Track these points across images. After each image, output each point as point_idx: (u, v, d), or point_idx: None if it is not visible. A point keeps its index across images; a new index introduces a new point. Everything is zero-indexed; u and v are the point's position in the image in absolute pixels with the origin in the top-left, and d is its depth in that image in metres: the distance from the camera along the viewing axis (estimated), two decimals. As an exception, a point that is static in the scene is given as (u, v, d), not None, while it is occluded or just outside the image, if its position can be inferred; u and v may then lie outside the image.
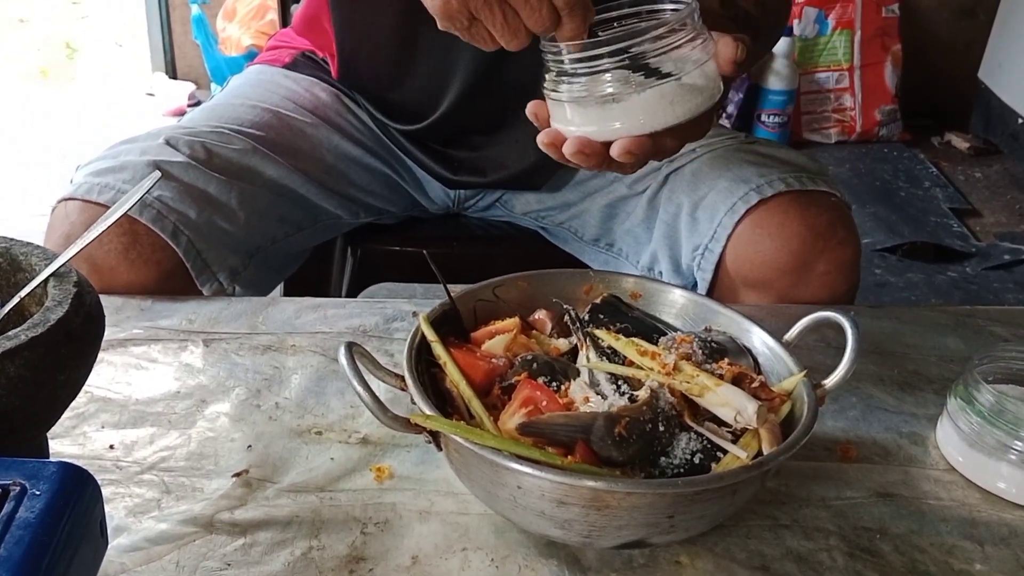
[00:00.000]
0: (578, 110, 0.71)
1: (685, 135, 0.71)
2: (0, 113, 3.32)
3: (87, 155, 0.99)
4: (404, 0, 0.74)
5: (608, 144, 0.70)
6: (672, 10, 0.70)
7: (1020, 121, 3.07)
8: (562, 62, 0.70)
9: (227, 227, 0.96)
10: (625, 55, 0.67)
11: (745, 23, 0.91)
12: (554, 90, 0.71)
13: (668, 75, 0.68)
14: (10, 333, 0.52)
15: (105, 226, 0.61)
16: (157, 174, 0.66)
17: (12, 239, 0.62)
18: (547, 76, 0.72)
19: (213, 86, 3.32)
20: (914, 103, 3.26)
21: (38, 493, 0.47)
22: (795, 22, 3.12)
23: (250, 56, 3.07)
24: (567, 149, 0.71)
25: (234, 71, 3.06)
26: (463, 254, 1.20)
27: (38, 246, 0.61)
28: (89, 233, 0.61)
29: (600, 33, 0.70)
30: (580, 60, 0.69)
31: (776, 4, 0.99)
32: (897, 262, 2.50)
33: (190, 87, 3.41)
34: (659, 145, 0.70)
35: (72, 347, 0.55)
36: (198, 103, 3.37)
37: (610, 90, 0.68)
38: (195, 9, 3.25)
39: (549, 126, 0.74)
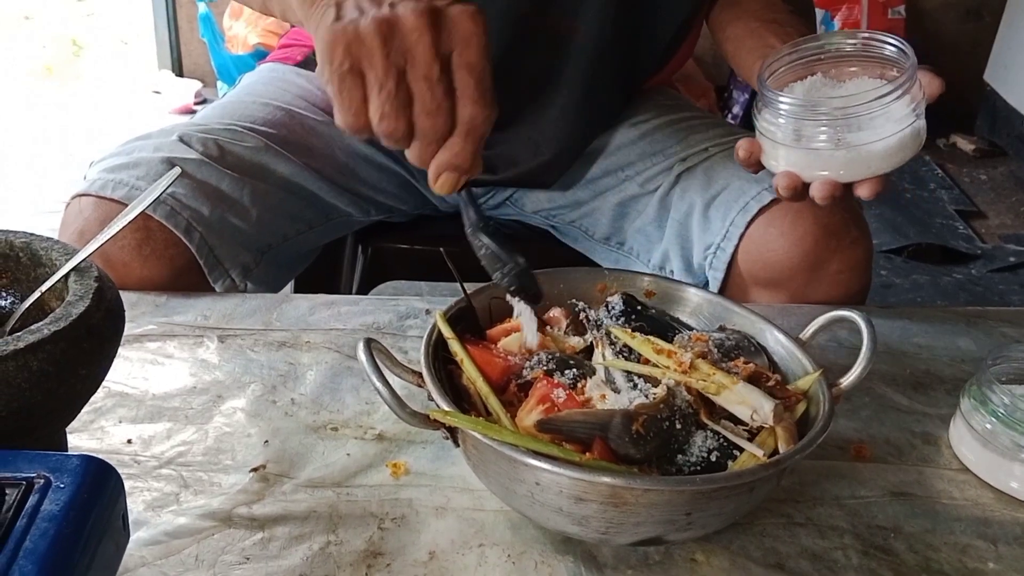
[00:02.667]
0: (808, 156, 0.76)
1: None
2: (6, 110, 3.32)
3: (93, 153, 0.99)
4: None
5: (848, 184, 0.76)
6: (894, 51, 0.76)
7: (1026, 123, 3.07)
8: (788, 110, 0.75)
9: (239, 224, 0.97)
10: (870, 108, 0.73)
11: (803, 12, 0.95)
12: (777, 132, 0.77)
13: (903, 121, 0.74)
14: (32, 327, 0.53)
15: (125, 221, 0.62)
16: (177, 170, 0.66)
17: (32, 234, 0.62)
18: (770, 118, 0.77)
19: (219, 84, 3.32)
20: (920, 105, 3.26)
21: (62, 486, 0.47)
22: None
23: (257, 54, 3.07)
24: (817, 193, 0.76)
25: (241, 69, 3.06)
26: (473, 252, 1.20)
27: (58, 241, 0.62)
28: (109, 229, 0.61)
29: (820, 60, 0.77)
30: (811, 110, 0.75)
31: None
32: (903, 264, 2.50)
33: (196, 85, 3.42)
34: (891, 176, 0.77)
35: (93, 342, 0.55)
36: (204, 101, 3.37)
37: (853, 138, 0.74)
38: (202, 7, 3.25)
39: (758, 164, 0.80)
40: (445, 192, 0.62)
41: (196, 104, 3.35)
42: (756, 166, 0.81)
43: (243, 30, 3.17)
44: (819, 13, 3.15)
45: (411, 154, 0.61)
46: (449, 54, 0.59)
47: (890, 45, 0.76)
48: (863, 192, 0.76)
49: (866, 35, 0.78)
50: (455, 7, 0.60)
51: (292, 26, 1.40)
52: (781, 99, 0.75)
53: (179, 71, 3.56)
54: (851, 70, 0.79)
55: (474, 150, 0.60)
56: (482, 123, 0.60)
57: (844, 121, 0.73)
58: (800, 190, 0.77)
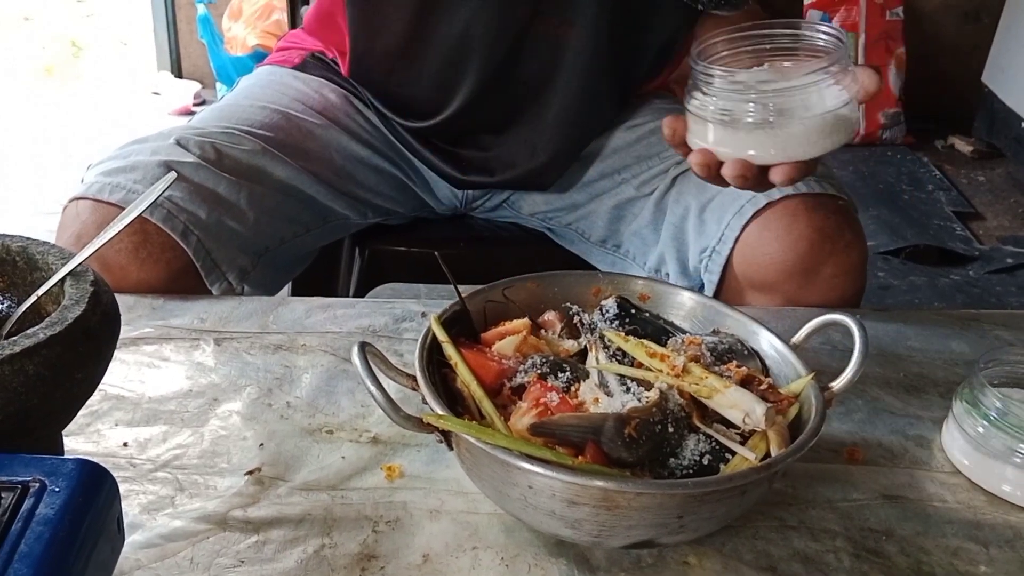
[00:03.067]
0: (730, 132, 0.74)
1: (822, 159, 0.76)
2: (6, 111, 3.33)
3: (92, 154, 1.00)
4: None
5: (764, 167, 0.74)
6: (826, 39, 0.74)
7: (1023, 124, 3.07)
8: (713, 82, 0.73)
9: (236, 227, 0.97)
10: (794, 87, 0.71)
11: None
12: (703, 108, 0.74)
13: (827, 107, 0.72)
14: (29, 331, 0.53)
15: (121, 226, 0.62)
16: (173, 175, 0.66)
17: (29, 238, 0.63)
18: (696, 95, 0.75)
19: (218, 85, 3.32)
20: (918, 106, 3.27)
21: (57, 490, 0.47)
22: (799, 24, 3.12)
23: (255, 56, 3.08)
24: (728, 172, 0.74)
25: (239, 71, 3.07)
26: (470, 255, 1.21)
27: (54, 245, 0.62)
28: (106, 232, 0.62)
29: (765, 54, 0.75)
30: (743, 84, 0.72)
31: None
32: (900, 265, 2.51)
33: (195, 86, 3.42)
34: (809, 168, 0.75)
35: (89, 345, 0.55)
36: (203, 102, 3.38)
37: (775, 118, 0.72)
38: (201, 8, 3.26)
39: (683, 142, 0.78)
40: None
41: (195, 105, 3.35)
42: (682, 146, 0.78)
43: (242, 32, 3.18)
44: (817, 14, 3.15)
45: None
46: None
47: (824, 35, 0.75)
48: (776, 176, 0.74)
49: (806, 25, 0.76)
50: None
51: (291, 28, 1.41)
52: (712, 72, 0.73)
53: (178, 72, 3.57)
54: (786, 64, 0.77)
55: None
56: None
57: (767, 98, 0.72)
58: (714, 168, 0.75)
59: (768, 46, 0.76)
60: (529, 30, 1.03)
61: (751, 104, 0.72)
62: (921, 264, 2.51)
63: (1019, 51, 3.10)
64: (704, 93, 0.74)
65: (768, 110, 0.72)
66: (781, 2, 1.01)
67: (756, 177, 0.74)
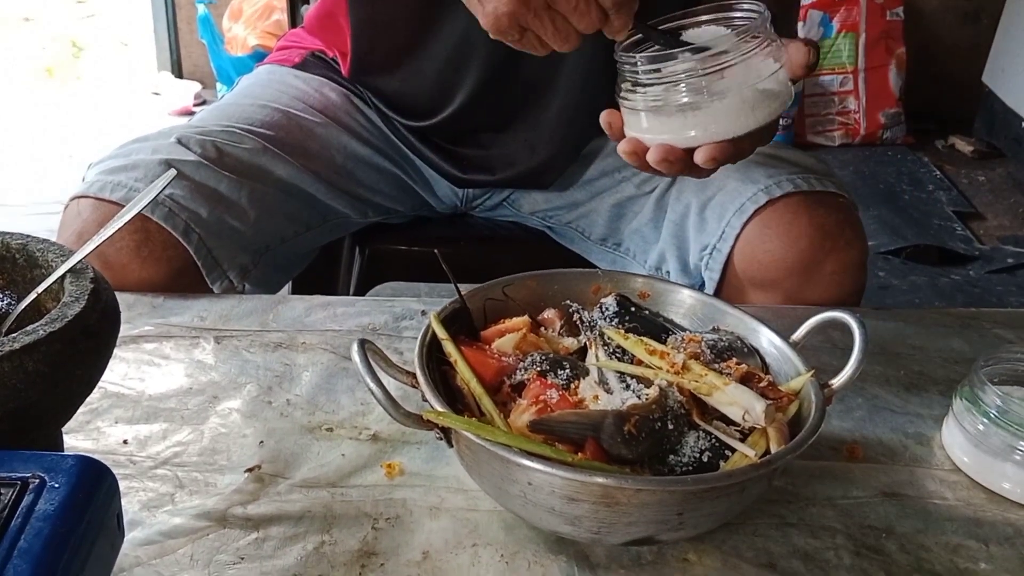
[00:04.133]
0: (656, 119, 0.73)
1: (760, 138, 0.74)
2: (6, 111, 3.33)
3: (93, 154, 1.00)
4: None
5: (690, 150, 0.72)
6: (744, 15, 0.73)
7: (1023, 124, 3.07)
8: (638, 73, 0.72)
9: (237, 225, 0.97)
10: (706, 65, 0.70)
11: (781, 18, 0.94)
12: (630, 99, 0.74)
13: (745, 82, 0.70)
14: (28, 328, 0.53)
15: (121, 223, 0.62)
16: (173, 172, 0.66)
17: (29, 236, 0.63)
18: (622, 86, 0.75)
19: (219, 86, 3.33)
20: (918, 106, 3.27)
21: (57, 486, 0.47)
22: (800, 25, 3.13)
23: (256, 56, 3.08)
24: (652, 157, 0.74)
25: (240, 71, 3.07)
26: (470, 254, 1.21)
27: (54, 243, 0.62)
28: (106, 230, 0.62)
29: (680, 37, 0.74)
30: (658, 71, 0.71)
31: None
32: (900, 265, 2.51)
33: (196, 86, 3.43)
34: (738, 149, 0.73)
35: (89, 343, 0.55)
36: (204, 102, 3.38)
37: (690, 99, 0.71)
38: (201, 9, 3.26)
39: (622, 135, 0.76)
40: (622, 37, 0.74)
41: (195, 105, 3.36)
42: (621, 136, 0.77)
43: (242, 32, 3.18)
44: (817, 15, 3.16)
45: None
46: None
47: (741, 10, 0.73)
48: (699, 158, 0.72)
49: (728, 5, 0.74)
50: None
51: (291, 27, 1.41)
52: (623, 59, 0.73)
53: (178, 73, 3.57)
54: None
55: (628, 13, 0.72)
56: None
57: (681, 83, 0.70)
58: (641, 155, 0.74)
59: (688, 23, 0.75)
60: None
61: (667, 88, 0.71)
62: (921, 264, 2.51)
63: (1019, 51, 3.10)
64: (629, 83, 0.73)
65: (684, 92, 0.71)
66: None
67: (681, 161, 0.72)
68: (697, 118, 0.71)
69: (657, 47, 0.74)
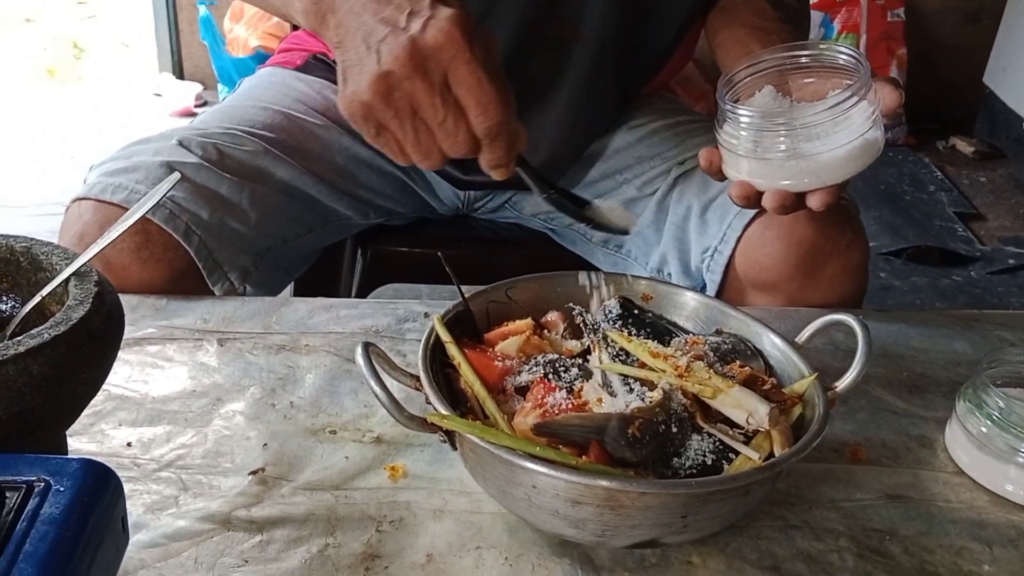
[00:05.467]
0: (764, 165, 0.76)
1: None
2: (7, 112, 3.33)
3: (94, 155, 1.00)
4: None
5: (801, 194, 0.76)
6: (846, 59, 0.76)
7: (1025, 125, 3.07)
8: (742, 122, 0.76)
9: (238, 227, 0.97)
10: (820, 120, 0.73)
11: (794, 20, 0.95)
12: (736, 143, 0.77)
13: (856, 132, 0.74)
14: (33, 332, 0.53)
15: (125, 226, 0.62)
16: (177, 175, 0.66)
17: (32, 239, 0.63)
18: (726, 128, 0.78)
19: (220, 87, 3.33)
20: (919, 107, 3.26)
21: (62, 489, 0.47)
22: (800, 26, 3.13)
23: (257, 57, 3.08)
24: (769, 203, 0.77)
25: (241, 72, 3.07)
26: (472, 255, 1.21)
27: (58, 246, 0.62)
28: (109, 233, 0.62)
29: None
30: (773, 123, 0.75)
31: None
32: (902, 266, 2.51)
33: (197, 88, 3.43)
34: (843, 188, 0.77)
35: (94, 346, 0.55)
36: (205, 104, 3.38)
37: (799, 148, 0.74)
38: (203, 10, 3.26)
39: (720, 172, 0.80)
40: (504, 178, 0.70)
41: (197, 106, 3.36)
42: (719, 174, 0.81)
43: (244, 33, 3.18)
44: (818, 16, 3.16)
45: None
46: (445, 78, 0.64)
47: (844, 55, 0.77)
48: (813, 203, 0.76)
49: (823, 46, 0.79)
50: (430, 29, 0.63)
51: (293, 30, 1.41)
52: (738, 112, 0.76)
53: (180, 74, 3.57)
54: (807, 81, 0.80)
55: (503, 148, 0.66)
56: (496, 125, 0.65)
57: (796, 132, 0.74)
58: (753, 199, 0.78)
59: (789, 67, 0.79)
60: (537, 29, 1.03)
61: (780, 138, 0.75)
62: (923, 265, 2.51)
63: (1020, 52, 3.10)
64: (732, 127, 0.77)
65: (797, 142, 0.74)
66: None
67: (795, 204, 0.77)
68: (809, 166, 0.75)
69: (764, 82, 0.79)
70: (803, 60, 0.79)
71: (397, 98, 0.64)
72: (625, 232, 0.78)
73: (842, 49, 0.77)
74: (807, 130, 0.74)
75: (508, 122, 0.66)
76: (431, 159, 0.67)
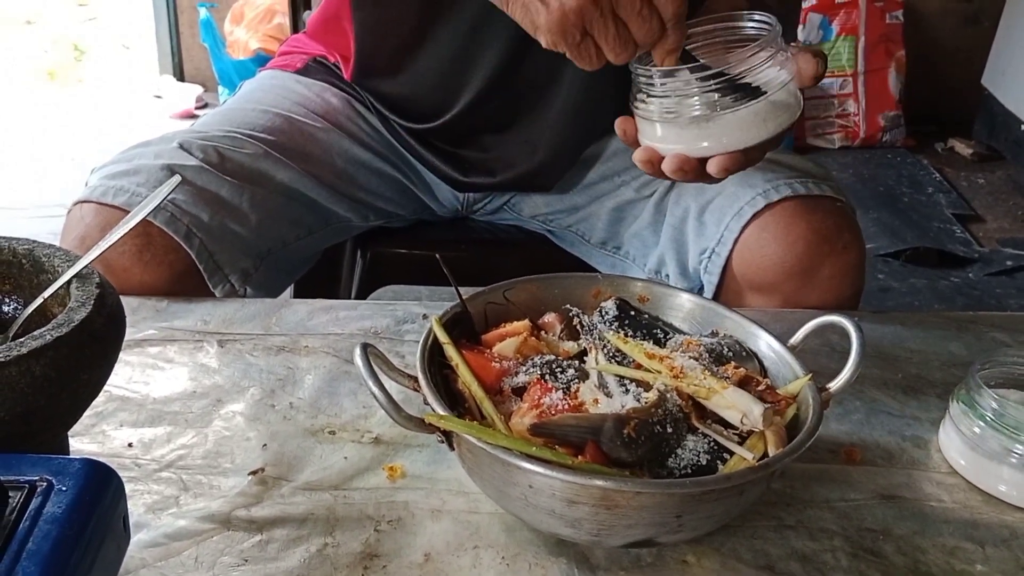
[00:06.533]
0: (670, 128, 0.75)
1: (769, 146, 0.76)
2: (8, 114, 3.34)
3: (94, 157, 1.00)
4: (428, 0, 0.76)
5: (703, 160, 0.75)
6: (755, 26, 0.75)
7: (1023, 127, 3.08)
8: (653, 84, 0.74)
9: (239, 230, 0.98)
10: (720, 78, 0.72)
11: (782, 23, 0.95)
12: (644, 109, 0.76)
13: (758, 94, 0.72)
14: (35, 333, 0.54)
15: (127, 228, 0.63)
16: (177, 178, 0.67)
17: (35, 241, 0.63)
18: (637, 95, 0.76)
19: (220, 89, 3.34)
20: (918, 109, 3.28)
21: (64, 489, 0.48)
22: (799, 28, 3.13)
23: (257, 59, 3.09)
24: (666, 167, 0.76)
25: (242, 74, 3.08)
26: (471, 257, 1.22)
27: (60, 248, 0.63)
28: (111, 235, 0.62)
29: (689, 49, 0.75)
30: (674, 82, 0.73)
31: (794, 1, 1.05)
32: (900, 267, 2.51)
33: (197, 90, 3.43)
34: (748, 158, 0.75)
35: (95, 347, 0.56)
36: (205, 106, 3.39)
37: (703, 112, 0.73)
38: (203, 12, 3.27)
39: (636, 141, 0.79)
40: (674, 65, 0.73)
41: (197, 108, 3.36)
42: (635, 144, 0.80)
43: (244, 35, 3.19)
44: (817, 18, 3.17)
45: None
46: None
47: (753, 22, 0.76)
48: (712, 168, 0.75)
49: (739, 15, 0.77)
50: None
51: (293, 32, 1.42)
52: (640, 73, 0.75)
53: (180, 76, 3.58)
54: (727, 56, 0.76)
55: (682, 34, 0.72)
56: (681, 5, 0.70)
57: (699, 93, 0.73)
58: (656, 164, 0.77)
59: (704, 41, 0.77)
60: None
61: (686, 100, 0.73)
62: (921, 266, 2.52)
63: (1019, 54, 3.11)
64: (644, 94, 0.75)
65: (701, 105, 0.73)
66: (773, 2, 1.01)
67: (695, 170, 0.75)
68: (710, 130, 0.73)
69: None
70: (716, 32, 0.78)
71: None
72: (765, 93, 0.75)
73: (753, 15, 0.76)
74: (709, 92, 0.72)
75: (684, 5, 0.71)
76: (627, 51, 0.72)
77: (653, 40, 0.71)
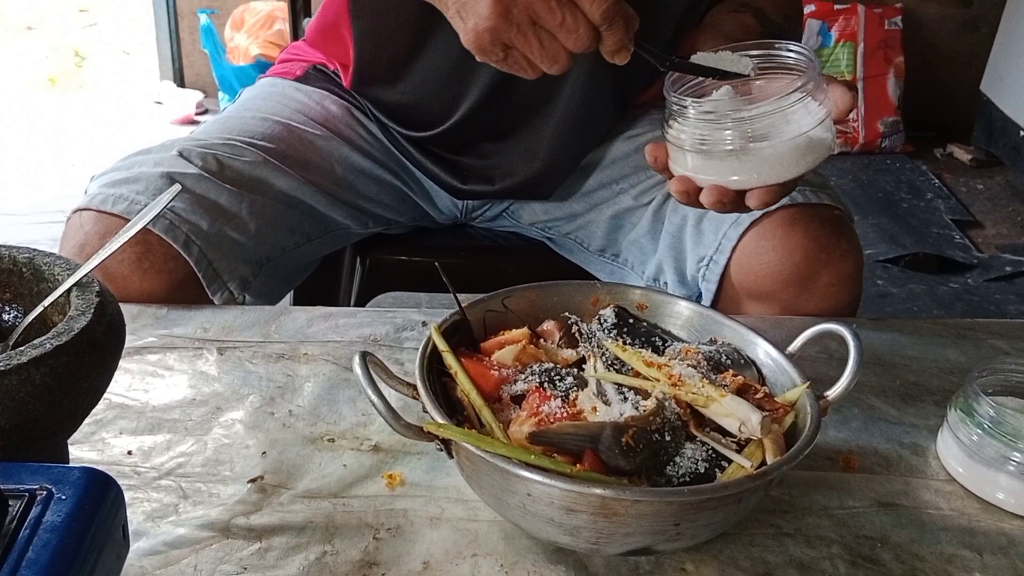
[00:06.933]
0: (706, 159, 0.75)
1: (803, 177, 0.76)
2: (8, 120, 3.34)
3: (95, 163, 1.01)
4: (427, 9, 0.76)
5: (741, 191, 0.75)
6: (795, 57, 0.75)
7: (1022, 133, 3.08)
8: (688, 113, 0.74)
9: (238, 237, 0.98)
10: (758, 111, 0.72)
11: (778, 36, 0.95)
12: (678, 137, 0.75)
13: (799, 131, 0.72)
14: (35, 342, 0.54)
15: (127, 236, 0.63)
16: (177, 187, 0.67)
17: (35, 249, 0.64)
18: (670, 122, 0.76)
19: (220, 95, 3.34)
20: (916, 115, 3.28)
21: (64, 497, 0.48)
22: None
23: (258, 66, 3.09)
24: (706, 198, 0.75)
25: (242, 80, 3.09)
26: (470, 264, 1.22)
27: (60, 256, 0.63)
28: (111, 244, 0.63)
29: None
30: (711, 114, 0.73)
31: (796, 12, 1.07)
32: (899, 273, 2.52)
33: (198, 96, 3.44)
34: (785, 189, 0.75)
35: (95, 355, 0.56)
36: (205, 112, 3.39)
37: (741, 143, 0.73)
38: (203, 18, 3.28)
39: (666, 168, 0.79)
40: (626, 61, 0.72)
41: (197, 114, 3.37)
42: (666, 171, 0.80)
43: (244, 41, 3.20)
44: (816, 24, 3.17)
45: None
46: None
47: (793, 54, 0.76)
48: (752, 201, 0.75)
49: (778, 46, 0.77)
50: None
51: (293, 39, 1.42)
52: (684, 105, 0.75)
53: (180, 82, 3.58)
54: (759, 84, 0.78)
55: (622, 30, 0.69)
56: (611, 7, 0.68)
57: (739, 126, 0.73)
58: (693, 195, 0.77)
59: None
60: None
61: (724, 132, 0.73)
62: (920, 272, 2.52)
63: (1017, 60, 3.11)
64: (679, 122, 0.75)
65: (740, 138, 0.73)
66: (777, 13, 1.01)
67: (733, 202, 0.75)
68: (748, 163, 0.73)
69: (695, 79, 0.77)
70: (752, 53, 0.78)
71: (516, 14, 0.67)
72: (747, 76, 0.76)
73: (792, 47, 0.76)
74: (750, 125, 0.72)
75: (619, 3, 0.68)
76: (560, 62, 0.70)
77: (587, 47, 0.69)
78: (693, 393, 0.62)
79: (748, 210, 0.76)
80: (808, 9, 3.15)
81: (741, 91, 0.78)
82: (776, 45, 0.77)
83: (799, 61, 0.75)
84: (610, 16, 0.68)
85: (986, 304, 2.40)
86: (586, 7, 0.67)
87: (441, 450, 0.61)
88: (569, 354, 0.70)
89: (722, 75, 0.75)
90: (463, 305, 0.72)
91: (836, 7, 3.20)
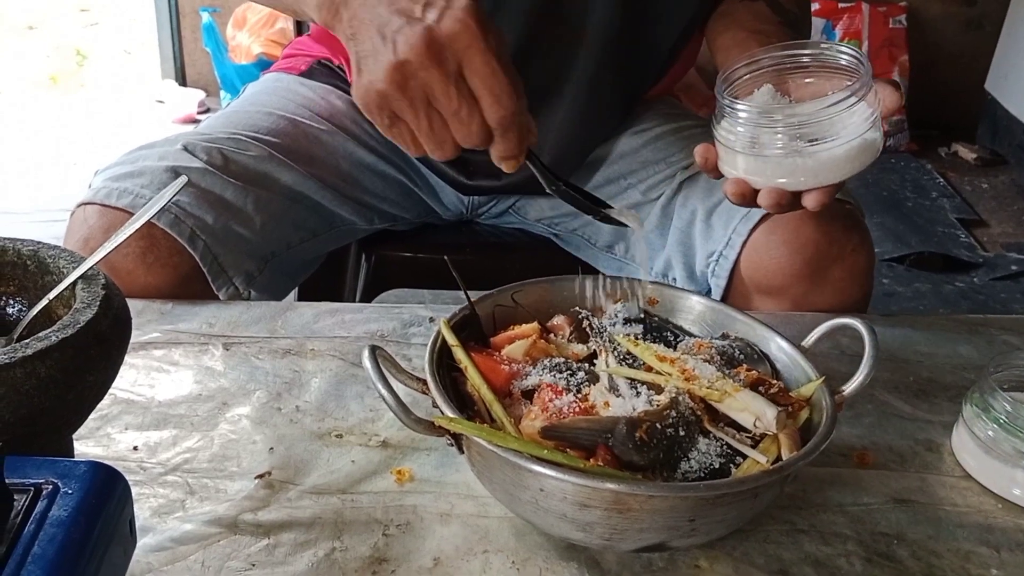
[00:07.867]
0: (760, 161, 0.75)
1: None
2: (10, 119, 3.34)
3: (97, 162, 1.00)
4: None
5: (797, 192, 0.75)
6: (848, 60, 0.76)
7: (1027, 132, 3.07)
8: (741, 116, 0.75)
9: (243, 232, 0.97)
10: (812, 115, 0.72)
11: (795, 25, 0.94)
12: (729, 139, 0.76)
13: (854, 133, 0.73)
14: (40, 335, 0.53)
15: (132, 230, 0.62)
16: (183, 179, 0.66)
17: (39, 242, 0.63)
18: (723, 123, 0.77)
19: (223, 93, 3.34)
20: (921, 114, 3.27)
21: (70, 492, 0.47)
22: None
23: (260, 64, 3.09)
24: (764, 200, 0.76)
25: (244, 79, 3.08)
26: (476, 261, 1.21)
27: (65, 249, 0.62)
28: (116, 237, 0.62)
29: (786, 73, 0.77)
30: (766, 117, 0.74)
31: (805, 1, 1.07)
32: (905, 272, 2.51)
33: (200, 94, 3.43)
34: (839, 188, 0.76)
35: (101, 349, 0.55)
36: (207, 111, 3.39)
37: (796, 146, 0.73)
38: (205, 17, 3.27)
39: (715, 168, 0.79)
40: (513, 170, 0.70)
41: (199, 113, 3.36)
42: (715, 172, 0.80)
43: (246, 40, 3.19)
44: (820, 22, 3.16)
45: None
46: (460, 68, 0.64)
47: (845, 55, 0.76)
48: (810, 203, 0.75)
49: (824, 45, 0.78)
50: (446, 19, 0.64)
51: (296, 35, 1.41)
52: (737, 107, 0.75)
53: (182, 80, 3.58)
54: (807, 81, 0.79)
55: (515, 140, 0.66)
56: (509, 115, 0.65)
57: (796, 130, 0.73)
58: (749, 197, 0.77)
59: (789, 65, 0.79)
60: (541, 32, 1.03)
61: (779, 135, 0.74)
62: (925, 271, 2.51)
63: (1022, 58, 3.10)
64: (731, 124, 0.76)
65: (796, 140, 0.73)
66: (790, 2, 1.01)
67: (790, 203, 0.76)
68: (808, 165, 0.74)
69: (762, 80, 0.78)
70: (804, 59, 0.79)
71: (412, 88, 0.64)
72: (632, 227, 0.76)
73: (844, 49, 0.76)
74: (806, 128, 0.73)
75: (520, 113, 0.66)
76: (444, 149, 0.67)
77: (476, 144, 0.66)
78: (707, 388, 0.61)
79: (802, 208, 0.77)
80: (813, 7, 3.14)
81: (782, 90, 0.78)
82: (827, 46, 0.78)
83: (851, 63, 0.76)
84: (506, 124, 0.65)
85: (992, 303, 2.39)
86: (485, 106, 0.64)
87: (451, 445, 0.60)
88: (580, 349, 0.70)
89: (604, 217, 0.75)
90: (472, 300, 0.71)
91: (840, 5, 3.19)
